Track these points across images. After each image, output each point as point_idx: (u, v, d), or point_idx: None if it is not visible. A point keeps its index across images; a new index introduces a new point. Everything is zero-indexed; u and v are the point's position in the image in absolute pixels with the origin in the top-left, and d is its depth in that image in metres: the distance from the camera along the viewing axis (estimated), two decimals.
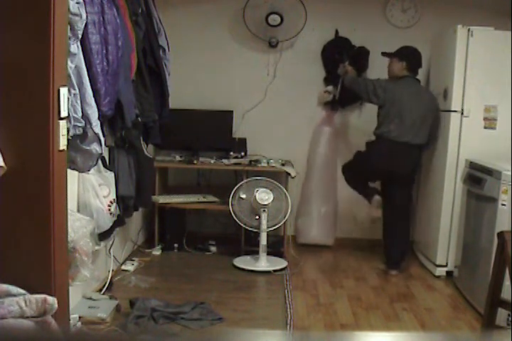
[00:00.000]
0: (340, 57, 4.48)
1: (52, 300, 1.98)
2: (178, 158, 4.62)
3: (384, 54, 4.14)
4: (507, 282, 2.79)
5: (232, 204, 4.18)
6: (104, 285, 3.49)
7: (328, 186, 4.74)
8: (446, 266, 4.02)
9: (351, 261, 4.43)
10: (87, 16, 2.51)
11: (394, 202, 4.15)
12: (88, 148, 2.63)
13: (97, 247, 3.02)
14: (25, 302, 1.93)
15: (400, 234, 4.16)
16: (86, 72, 2.54)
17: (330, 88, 4.63)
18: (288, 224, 4.45)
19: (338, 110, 4.74)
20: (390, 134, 3.98)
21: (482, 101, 3.87)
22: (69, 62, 2.34)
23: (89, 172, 2.90)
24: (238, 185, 4.23)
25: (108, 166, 3.28)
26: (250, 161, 4.48)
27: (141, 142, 3.65)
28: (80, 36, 2.46)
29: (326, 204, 4.73)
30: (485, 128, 3.89)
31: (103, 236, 3.14)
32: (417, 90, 4.08)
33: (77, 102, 2.47)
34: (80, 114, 2.51)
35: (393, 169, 4.04)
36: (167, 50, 3.92)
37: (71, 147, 2.47)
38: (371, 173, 4.21)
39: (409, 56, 4.03)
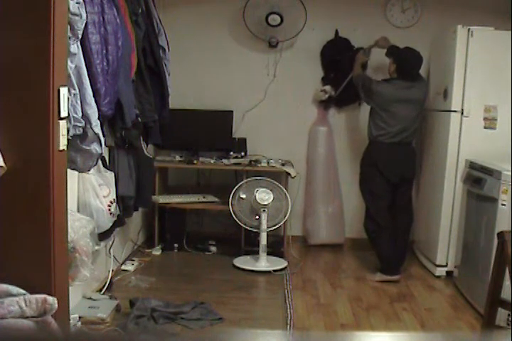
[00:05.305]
0: (341, 57, 4.49)
1: (52, 300, 1.98)
2: (178, 158, 4.62)
3: (388, 49, 4.14)
4: (507, 282, 2.79)
5: (232, 204, 4.18)
6: (104, 285, 3.49)
7: (332, 185, 4.74)
8: (446, 266, 4.02)
9: (353, 261, 4.44)
10: (87, 16, 2.51)
11: (400, 204, 4.06)
12: (88, 148, 2.63)
13: (97, 247, 3.02)
14: (25, 302, 1.93)
15: (401, 238, 4.05)
16: (86, 72, 2.54)
17: (328, 87, 4.62)
18: (288, 224, 4.45)
19: (330, 109, 4.73)
20: (383, 137, 3.95)
21: (482, 101, 3.87)
22: (69, 62, 2.34)
23: (89, 172, 2.91)
24: (238, 185, 4.23)
25: (108, 166, 3.28)
26: (250, 161, 4.48)
27: (141, 142, 3.65)
28: (79, 36, 2.46)
29: (331, 204, 4.73)
30: (485, 128, 3.89)
31: (103, 236, 3.14)
32: (406, 93, 3.94)
33: (77, 102, 2.47)
34: (80, 114, 2.51)
35: (400, 170, 3.99)
36: (167, 50, 3.92)
37: (71, 147, 2.47)
38: (383, 184, 3.98)
39: (399, 59, 3.97)
